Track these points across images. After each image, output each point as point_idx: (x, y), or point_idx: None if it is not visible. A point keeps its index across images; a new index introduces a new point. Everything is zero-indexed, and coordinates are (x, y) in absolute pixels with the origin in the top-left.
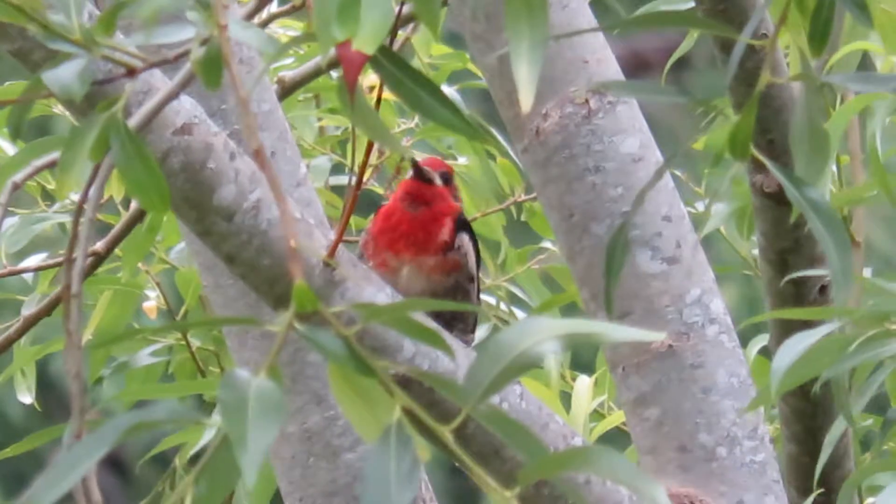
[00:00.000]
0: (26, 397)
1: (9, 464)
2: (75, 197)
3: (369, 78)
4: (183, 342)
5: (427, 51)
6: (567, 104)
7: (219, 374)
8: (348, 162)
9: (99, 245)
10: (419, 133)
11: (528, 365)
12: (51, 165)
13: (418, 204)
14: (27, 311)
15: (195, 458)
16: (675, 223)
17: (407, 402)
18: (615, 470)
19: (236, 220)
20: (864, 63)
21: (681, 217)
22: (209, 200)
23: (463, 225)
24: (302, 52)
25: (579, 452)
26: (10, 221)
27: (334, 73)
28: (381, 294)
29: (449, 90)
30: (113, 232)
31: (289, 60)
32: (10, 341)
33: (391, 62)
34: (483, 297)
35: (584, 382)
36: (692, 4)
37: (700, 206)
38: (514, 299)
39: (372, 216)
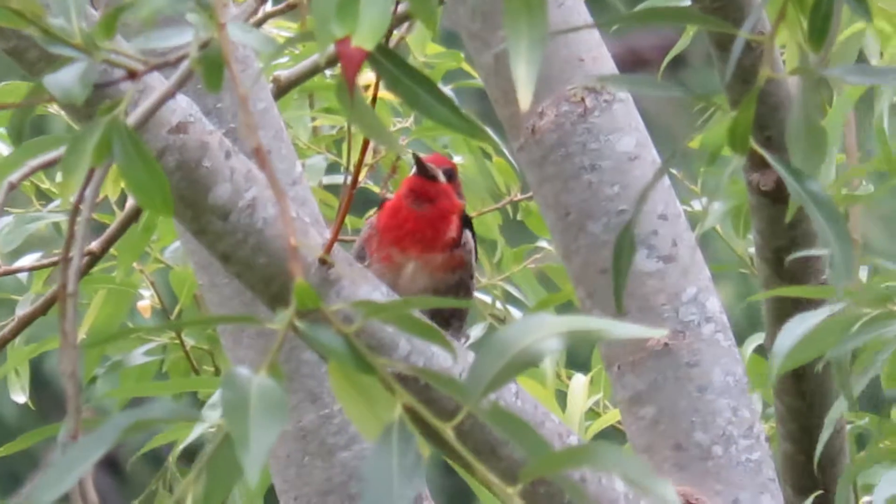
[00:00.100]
0: (20, 396)
1: (3, 463)
2: (71, 196)
3: (364, 77)
4: (177, 341)
5: (422, 50)
6: (563, 102)
7: (213, 373)
8: (343, 161)
9: (94, 244)
10: (415, 132)
11: (529, 362)
12: (46, 166)
13: (422, 201)
14: (22, 310)
15: (185, 454)
16: (671, 221)
17: (408, 399)
18: (622, 467)
19: (232, 219)
20: (861, 61)
21: (677, 215)
22: (204, 199)
23: (466, 222)
24: (297, 51)
25: (583, 449)
26: (4, 221)
27: (329, 72)
28: (376, 293)
29: (444, 89)
30: (108, 231)
31: (284, 59)
32: (5, 341)
33: (389, 60)
34: (479, 295)
35: (579, 381)
36: (689, 2)
37: (696, 205)
38: (509, 298)
39: (375, 211)
